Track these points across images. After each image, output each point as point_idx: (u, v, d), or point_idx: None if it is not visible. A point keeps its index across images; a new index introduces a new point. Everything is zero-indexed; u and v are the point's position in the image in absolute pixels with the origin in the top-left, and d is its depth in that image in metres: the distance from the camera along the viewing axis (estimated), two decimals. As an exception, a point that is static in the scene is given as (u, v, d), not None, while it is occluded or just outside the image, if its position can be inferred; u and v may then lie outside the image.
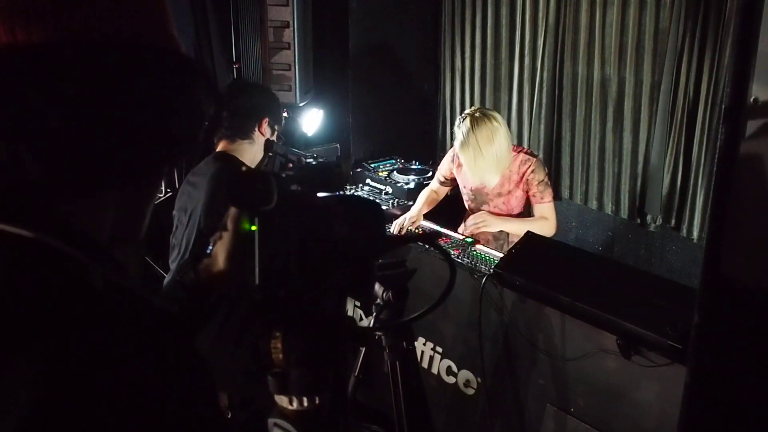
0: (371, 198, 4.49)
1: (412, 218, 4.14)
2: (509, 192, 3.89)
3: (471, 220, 3.88)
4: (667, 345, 2.63)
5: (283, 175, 1.43)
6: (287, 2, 4.39)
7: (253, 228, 1.41)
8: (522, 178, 3.84)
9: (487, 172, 3.81)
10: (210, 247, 1.52)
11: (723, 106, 1.47)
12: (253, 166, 3.09)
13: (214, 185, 2.94)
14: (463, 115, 3.82)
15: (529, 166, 3.82)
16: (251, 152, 3.10)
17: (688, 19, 4.17)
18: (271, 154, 3.11)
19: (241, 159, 3.06)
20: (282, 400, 1.50)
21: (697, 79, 4.23)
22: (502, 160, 3.77)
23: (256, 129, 3.09)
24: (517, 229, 3.77)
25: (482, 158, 3.72)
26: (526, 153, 3.90)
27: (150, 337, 0.90)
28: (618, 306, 2.84)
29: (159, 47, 0.99)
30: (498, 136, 3.69)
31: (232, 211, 1.47)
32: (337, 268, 1.44)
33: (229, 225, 1.47)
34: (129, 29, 0.95)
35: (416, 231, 4.08)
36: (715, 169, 1.53)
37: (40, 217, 0.91)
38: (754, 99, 1.45)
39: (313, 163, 1.56)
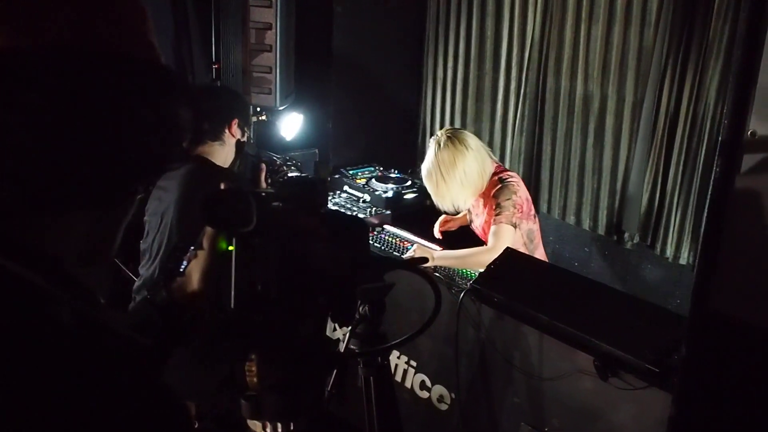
0: (355, 214, 4.39)
1: (448, 218, 4.05)
2: (482, 213, 3.79)
3: (410, 252, 3.76)
4: (644, 368, 2.61)
5: (263, 194, 1.37)
6: (270, 4, 4.32)
7: (230, 248, 1.35)
8: (490, 199, 3.68)
9: (453, 199, 3.67)
10: (184, 265, 1.47)
11: (719, 139, 1.43)
12: (225, 167, 3.04)
13: (187, 185, 2.88)
14: (433, 137, 3.73)
15: (497, 188, 3.63)
16: (223, 153, 3.05)
17: (672, 39, 4.17)
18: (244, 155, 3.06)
19: (213, 161, 3.01)
20: (255, 426, 1.45)
21: (678, 98, 4.23)
22: (470, 185, 3.62)
23: (227, 130, 3.04)
24: (454, 263, 3.61)
25: (444, 185, 3.61)
26: (501, 176, 3.69)
27: (117, 373, 0.85)
28: (596, 327, 2.81)
29: (136, 57, 0.93)
30: (462, 159, 3.56)
31: (208, 229, 1.41)
32: (318, 293, 1.39)
33: (205, 244, 1.42)
34: (104, 37, 0.89)
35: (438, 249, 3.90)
36: (708, 202, 1.50)
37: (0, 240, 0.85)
38: (751, 132, 1.42)
39: (295, 177, 1.50)
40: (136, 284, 3.02)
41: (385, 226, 4.47)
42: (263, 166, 3.02)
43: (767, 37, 1.33)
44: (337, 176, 5.17)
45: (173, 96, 0.96)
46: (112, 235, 1.01)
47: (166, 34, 4.53)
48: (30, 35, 0.83)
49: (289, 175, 1.58)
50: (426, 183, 3.73)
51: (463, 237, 4.09)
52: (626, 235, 4.64)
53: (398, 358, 3.66)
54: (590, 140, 4.71)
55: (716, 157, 1.43)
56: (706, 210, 1.58)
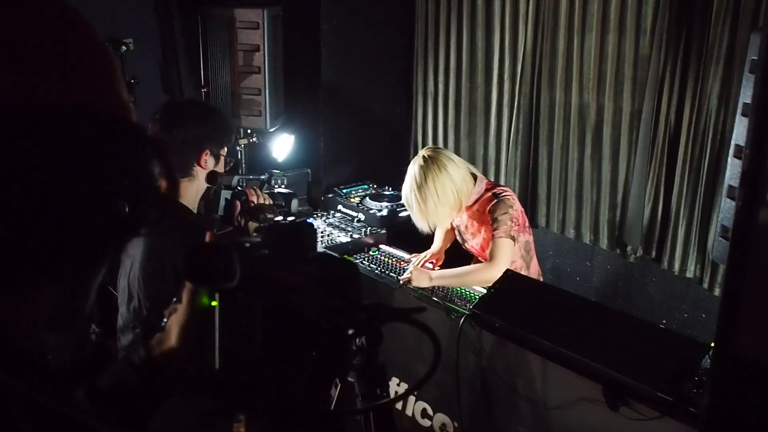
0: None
1: (434, 255, 3.98)
2: (479, 232, 3.70)
3: (406, 273, 3.67)
4: (656, 397, 2.50)
5: (247, 244, 1.26)
6: (257, 25, 4.26)
7: (213, 304, 1.25)
8: (486, 216, 3.58)
9: (431, 219, 3.60)
10: (164, 321, 1.36)
11: (741, 170, 1.33)
12: (195, 204, 2.78)
13: (149, 243, 2.57)
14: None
15: (492, 203, 3.54)
16: (193, 189, 2.75)
17: (669, 46, 4.08)
18: (216, 188, 2.76)
19: (181, 201, 2.70)
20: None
21: (678, 107, 4.13)
22: (444, 204, 3.52)
23: (195, 165, 2.73)
24: (454, 282, 3.55)
25: (417, 205, 3.54)
26: (494, 191, 3.60)
27: None
28: (604, 353, 2.70)
29: (102, 115, 0.83)
30: (432, 179, 3.48)
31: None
32: (308, 350, 1.28)
33: (184, 297, 1.31)
34: (67, 94, 0.79)
35: (436, 269, 3.86)
36: (731, 237, 1.40)
37: None
38: (776, 161, 1.31)
39: (281, 223, 1.39)
40: (119, 323, 2.79)
41: (380, 246, 4.37)
42: (237, 203, 2.71)
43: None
44: (330, 195, 5.07)
45: (144, 154, 0.87)
46: (83, 299, 0.90)
47: (155, 59, 4.45)
48: None
49: (275, 219, 1.44)
50: (405, 204, 3.69)
51: (457, 256, 3.99)
52: (629, 248, 4.53)
53: (398, 385, 3.55)
54: (588, 152, 4.62)
55: (738, 189, 1.33)
56: (730, 246, 1.46)
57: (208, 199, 2.77)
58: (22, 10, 0.77)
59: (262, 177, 2.95)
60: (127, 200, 0.83)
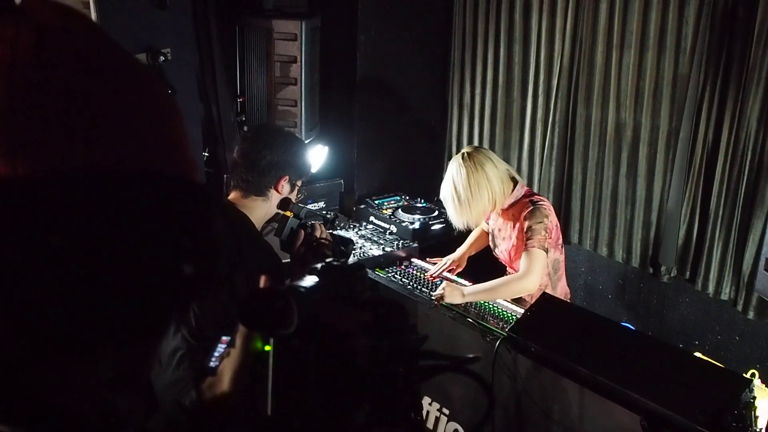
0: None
1: (454, 261, 4.00)
2: (510, 237, 3.68)
3: (439, 290, 3.66)
4: (695, 429, 2.47)
5: (302, 290, 1.26)
6: (295, 37, 4.26)
7: (267, 348, 1.25)
8: (521, 221, 3.57)
9: (465, 217, 3.61)
10: (215, 363, 1.36)
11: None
12: (262, 223, 2.84)
13: None
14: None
15: (528, 210, 3.52)
16: (263, 210, 2.81)
17: (709, 65, 4.04)
18: (285, 214, 2.80)
19: (249, 216, 2.77)
20: None
21: (717, 128, 4.10)
22: (477, 203, 3.54)
23: (272, 188, 2.78)
24: (487, 296, 3.56)
25: (451, 202, 3.58)
26: (532, 198, 3.59)
27: None
28: (642, 382, 2.68)
29: (170, 175, 0.82)
30: (467, 178, 3.51)
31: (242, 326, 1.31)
32: (362, 400, 1.28)
33: (238, 341, 1.31)
34: (135, 156, 0.78)
35: (456, 277, 3.89)
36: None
37: (16, 400, 0.74)
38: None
39: (333, 265, 1.39)
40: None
41: (412, 260, 4.36)
42: (302, 233, 2.80)
43: None
44: (362, 206, 5.07)
45: (209, 215, 0.85)
46: (147, 361, 0.90)
47: (191, 68, 4.46)
48: (51, 161, 0.72)
49: (327, 261, 1.44)
50: (441, 199, 3.72)
51: (484, 265, 3.99)
52: (663, 268, 4.49)
53: (430, 404, 3.54)
54: (623, 170, 4.59)
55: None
56: (765, 275, 1.44)
57: (274, 223, 2.85)
58: (102, 73, 0.77)
59: (329, 216, 3.01)
60: (191, 264, 0.82)
